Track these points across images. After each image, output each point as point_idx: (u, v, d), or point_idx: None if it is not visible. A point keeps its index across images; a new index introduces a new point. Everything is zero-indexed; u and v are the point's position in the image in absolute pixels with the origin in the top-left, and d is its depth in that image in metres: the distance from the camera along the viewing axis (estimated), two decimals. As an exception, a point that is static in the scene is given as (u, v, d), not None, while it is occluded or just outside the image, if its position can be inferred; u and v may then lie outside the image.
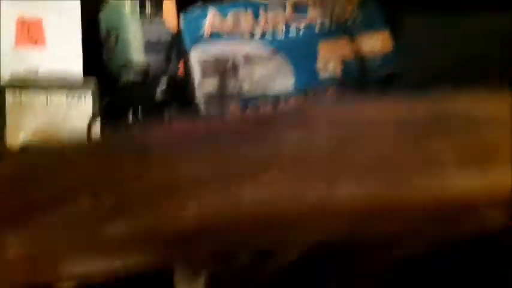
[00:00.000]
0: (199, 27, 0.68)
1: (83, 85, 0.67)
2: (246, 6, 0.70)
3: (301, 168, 0.17)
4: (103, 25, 0.74)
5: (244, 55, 0.68)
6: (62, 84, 0.67)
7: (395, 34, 0.72)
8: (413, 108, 0.18)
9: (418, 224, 0.19)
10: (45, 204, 0.16)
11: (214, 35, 0.68)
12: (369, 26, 0.71)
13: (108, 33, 0.73)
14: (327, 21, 0.71)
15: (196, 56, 0.67)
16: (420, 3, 0.70)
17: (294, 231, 0.18)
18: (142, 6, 0.71)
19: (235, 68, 0.68)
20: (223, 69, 0.68)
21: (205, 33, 0.68)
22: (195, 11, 0.69)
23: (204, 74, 0.67)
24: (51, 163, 0.17)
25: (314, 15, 0.71)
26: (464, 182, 0.17)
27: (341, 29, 0.70)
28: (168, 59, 0.71)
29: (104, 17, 0.74)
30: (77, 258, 0.17)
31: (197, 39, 0.68)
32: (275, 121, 0.18)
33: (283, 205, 0.17)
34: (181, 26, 0.69)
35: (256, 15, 0.70)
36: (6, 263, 0.16)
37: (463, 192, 0.17)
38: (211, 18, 0.69)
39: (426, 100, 0.19)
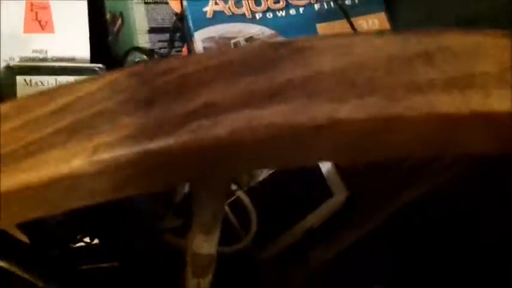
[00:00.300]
0: (202, 10, 0.70)
1: (91, 70, 0.69)
2: (248, -11, 0.72)
3: (311, 93, 0.20)
4: (108, 9, 0.76)
5: (246, 36, 0.71)
6: (70, 68, 0.69)
7: (392, 15, 0.74)
8: (406, 41, 0.21)
9: (414, 141, 0.22)
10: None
11: (217, 17, 0.70)
12: (367, 7, 0.74)
13: (114, 17, 0.75)
14: (325, 3, 0.73)
15: (200, 38, 0.69)
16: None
17: (306, 150, 0.21)
18: (147, -12, 0.73)
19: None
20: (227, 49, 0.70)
21: (208, 16, 0.70)
22: (198, -5, 0.71)
23: (208, 54, 0.69)
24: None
25: (313, -3, 0.73)
26: (448, 103, 0.20)
27: (339, 11, 0.73)
28: (171, 42, 0.73)
29: (109, 1, 0.76)
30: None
31: (200, 21, 0.70)
32: (287, 53, 0.21)
33: (298, 124, 0.19)
34: (185, 9, 0.71)
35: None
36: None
37: (448, 113, 0.20)
38: (213, 2, 0.71)
39: (417, 34, 0.22)
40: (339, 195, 0.86)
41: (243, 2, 0.71)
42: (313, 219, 0.79)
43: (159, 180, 0.21)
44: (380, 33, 0.24)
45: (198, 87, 0.20)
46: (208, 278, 0.50)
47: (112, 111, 0.20)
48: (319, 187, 0.89)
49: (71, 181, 0.20)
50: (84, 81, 0.21)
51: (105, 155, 0.19)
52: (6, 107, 0.21)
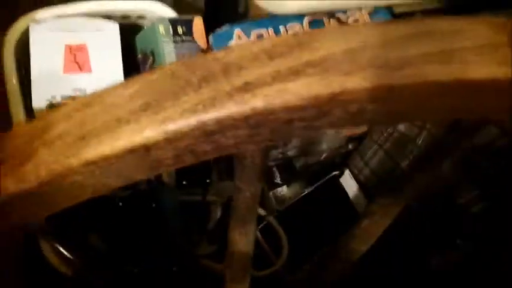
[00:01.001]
0: (226, 44, 0.76)
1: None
2: (267, 24, 0.78)
3: (326, 69, 0.25)
4: (139, 48, 0.83)
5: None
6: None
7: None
8: (401, 24, 0.27)
9: (413, 107, 0.27)
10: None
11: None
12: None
13: (145, 55, 0.82)
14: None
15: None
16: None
17: (323, 116, 0.26)
18: (174, 27, 0.79)
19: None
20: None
21: (232, 49, 0.76)
22: (222, 31, 0.77)
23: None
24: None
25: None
26: (437, 73, 0.25)
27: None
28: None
29: (140, 40, 0.83)
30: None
31: (225, 54, 0.76)
32: (306, 39, 0.26)
33: (317, 94, 0.25)
34: (211, 44, 0.77)
35: (277, 32, 0.78)
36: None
37: (435, 80, 0.25)
38: (237, 37, 0.77)
39: (411, 19, 0.28)
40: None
41: (264, 35, 0.77)
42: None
43: (213, 149, 0.26)
44: (378, 22, 0.29)
45: (239, 70, 0.25)
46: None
47: (173, 92, 0.25)
48: (346, 210, 0.93)
49: (143, 151, 0.25)
50: (146, 73, 0.26)
51: (171, 126, 0.24)
52: (91, 96, 0.27)
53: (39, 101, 0.76)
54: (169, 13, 0.84)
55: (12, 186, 0.25)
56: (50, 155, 0.25)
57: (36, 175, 0.25)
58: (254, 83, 0.25)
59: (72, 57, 0.78)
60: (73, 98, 0.77)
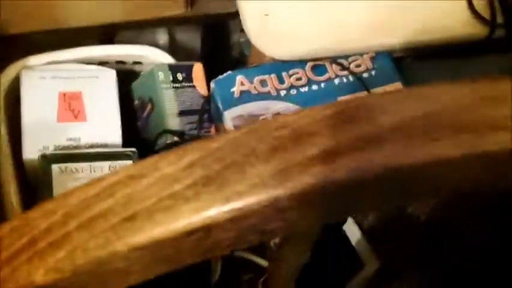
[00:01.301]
0: (229, 91, 0.73)
1: (125, 155, 0.71)
2: (269, 70, 0.76)
3: (408, 135, 0.22)
4: (137, 96, 0.79)
5: (273, 112, 0.73)
6: (104, 154, 0.71)
7: (408, 84, 0.77)
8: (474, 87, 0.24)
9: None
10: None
11: (244, 97, 0.73)
12: (383, 78, 0.77)
13: (143, 102, 0.78)
14: (344, 77, 0.76)
15: (230, 116, 0.72)
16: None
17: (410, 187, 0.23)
18: (174, 74, 0.76)
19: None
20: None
21: (235, 96, 0.73)
22: (224, 78, 0.74)
23: (238, 132, 0.71)
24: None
25: (332, 74, 0.76)
26: None
27: (358, 84, 0.76)
28: (201, 123, 0.76)
29: (137, 87, 0.79)
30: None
31: (229, 101, 0.73)
32: (379, 105, 0.23)
33: (401, 164, 0.21)
34: (213, 90, 0.74)
35: (279, 76, 0.75)
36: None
37: None
38: (239, 83, 0.74)
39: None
40: (370, 265, 0.86)
41: (267, 81, 0.74)
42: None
43: (281, 227, 0.22)
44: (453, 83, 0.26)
45: (310, 137, 0.22)
46: None
47: (237, 163, 0.22)
48: (350, 258, 0.90)
49: (203, 233, 0.21)
50: (212, 140, 0.22)
51: (238, 203, 0.21)
52: (120, 175, 0.23)
53: (30, 151, 0.71)
54: (167, 59, 0.81)
55: (41, 277, 0.21)
56: (88, 239, 0.21)
57: (71, 263, 0.21)
58: (331, 151, 0.21)
59: (66, 105, 0.74)
60: (66, 147, 0.73)
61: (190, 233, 0.21)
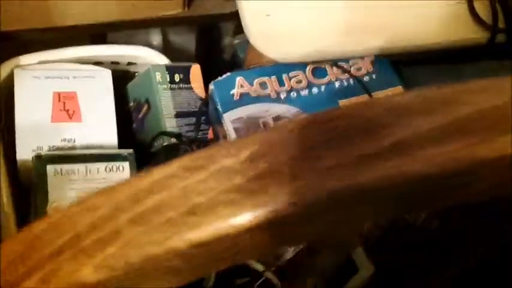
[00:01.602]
0: (229, 93, 0.72)
1: (121, 156, 0.69)
2: (269, 72, 0.75)
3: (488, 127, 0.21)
4: (132, 97, 0.78)
5: (273, 115, 0.72)
6: (100, 155, 0.69)
7: (409, 88, 0.77)
8: None
9: None
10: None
11: (244, 99, 0.72)
12: (384, 82, 0.76)
13: (138, 104, 0.76)
14: (344, 80, 0.76)
15: (229, 119, 0.71)
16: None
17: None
18: (171, 75, 0.75)
19: (266, 127, 0.71)
20: (256, 128, 0.71)
21: (235, 98, 0.72)
22: (223, 79, 0.73)
23: (238, 134, 0.70)
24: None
25: (333, 76, 0.76)
26: None
27: (359, 87, 0.75)
28: (198, 125, 0.75)
29: (132, 87, 0.78)
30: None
31: (228, 104, 0.72)
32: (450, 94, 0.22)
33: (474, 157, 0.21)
34: (212, 92, 0.72)
35: (279, 79, 0.74)
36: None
37: None
38: (239, 85, 0.73)
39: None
40: (365, 270, 0.86)
41: (267, 83, 0.73)
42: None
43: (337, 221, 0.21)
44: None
45: (385, 128, 0.21)
46: None
47: (301, 152, 0.20)
48: (345, 262, 0.89)
49: (270, 227, 0.20)
50: (262, 132, 0.21)
51: (307, 195, 0.19)
52: (173, 167, 0.22)
53: (24, 152, 0.69)
54: (162, 59, 0.80)
55: (90, 276, 0.20)
56: (142, 234, 0.20)
57: (124, 260, 0.20)
58: (405, 143, 0.20)
59: (61, 105, 0.72)
60: (61, 148, 0.71)
61: (253, 227, 0.20)
